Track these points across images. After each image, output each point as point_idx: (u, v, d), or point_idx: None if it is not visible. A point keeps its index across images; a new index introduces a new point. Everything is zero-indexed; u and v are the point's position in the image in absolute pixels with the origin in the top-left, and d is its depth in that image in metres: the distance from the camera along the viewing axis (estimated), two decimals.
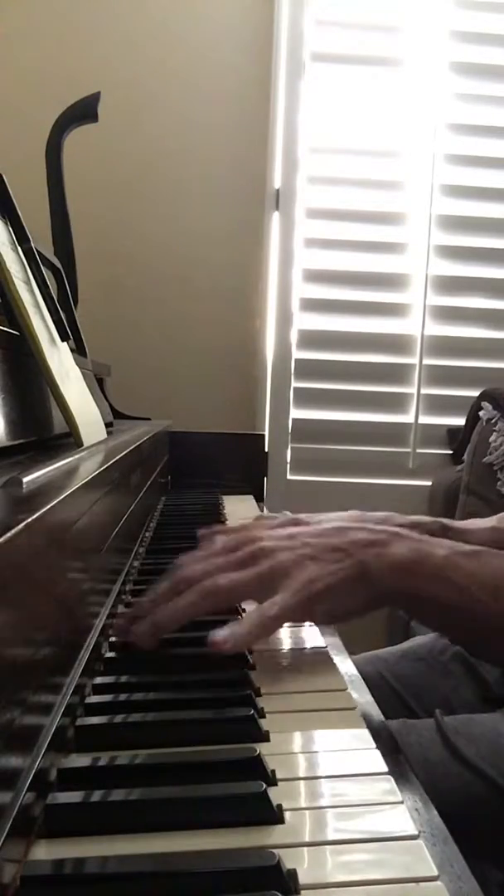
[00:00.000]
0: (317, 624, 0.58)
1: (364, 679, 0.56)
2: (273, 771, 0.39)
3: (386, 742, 0.44)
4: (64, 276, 1.21)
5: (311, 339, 1.97)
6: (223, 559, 0.56)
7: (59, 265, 1.20)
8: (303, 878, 0.31)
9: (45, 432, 0.68)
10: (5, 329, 0.63)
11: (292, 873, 0.31)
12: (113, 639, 0.56)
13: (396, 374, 1.99)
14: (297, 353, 1.96)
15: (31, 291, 0.70)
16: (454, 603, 0.55)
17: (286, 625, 0.59)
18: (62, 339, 0.75)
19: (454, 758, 0.70)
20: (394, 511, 0.78)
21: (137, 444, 0.86)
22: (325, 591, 0.54)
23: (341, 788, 0.38)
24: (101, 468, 0.57)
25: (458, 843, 0.35)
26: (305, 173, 1.93)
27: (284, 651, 0.59)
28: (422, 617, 0.62)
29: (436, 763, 0.70)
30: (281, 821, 0.35)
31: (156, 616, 0.53)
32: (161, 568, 0.77)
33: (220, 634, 0.50)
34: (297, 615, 0.54)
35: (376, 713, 0.50)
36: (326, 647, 0.59)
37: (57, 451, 0.65)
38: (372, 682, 0.55)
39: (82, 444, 0.69)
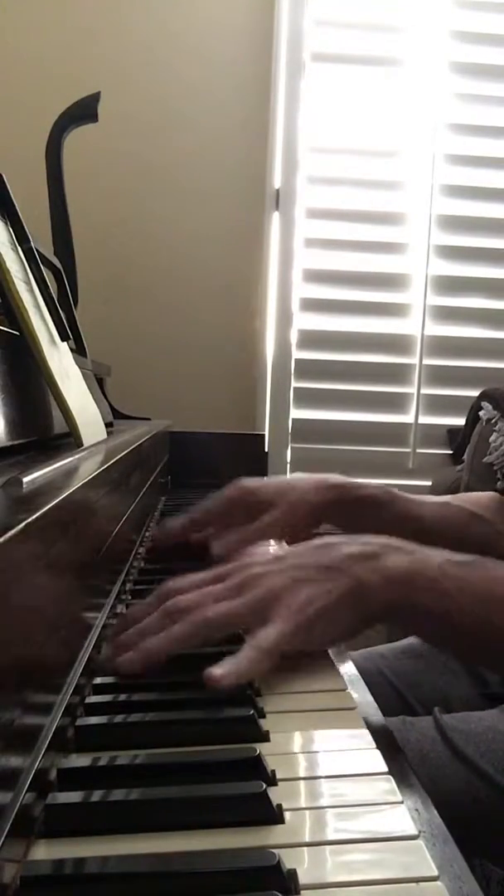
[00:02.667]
0: (315, 649, 0.55)
1: (362, 675, 0.56)
2: (273, 771, 0.39)
3: (386, 742, 0.44)
4: (64, 276, 1.21)
5: (311, 339, 1.97)
6: (211, 589, 0.54)
7: (59, 265, 1.20)
8: (303, 878, 0.31)
9: (45, 432, 0.68)
10: (5, 329, 0.63)
11: (292, 873, 0.31)
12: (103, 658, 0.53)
13: (396, 374, 1.99)
14: (297, 353, 1.96)
15: (31, 291, 0.70)
16: (446, 612, 0.54)
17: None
18: (62, 339, 0.75)
19: (453, 755, 0.71)
20: None
21: (137, 444, 0.86)
22: (322, 613, 0.52)
23: (341, 788, 0.38)
24: (101, 468, 0.57)
25: (456, 840, 0.35)
26: (305, 173, 1.93)
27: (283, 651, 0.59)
28: (418, 630, 0.61)
29: (434, 760, 0.70)
30: (281, 821, 0.35)
31: (146, 646, 0.50)
32: (161, 567, 0.77)
33: (217, 671, 0.46)
34: (295, 641, 0.51)
35: (376, 712, 0.50)
36: None
37: (57, 451, 0.65)
38: (370, 678, 0.55)
39: (82, 444, 0.69)
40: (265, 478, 0.72)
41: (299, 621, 0.51)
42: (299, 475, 0.81)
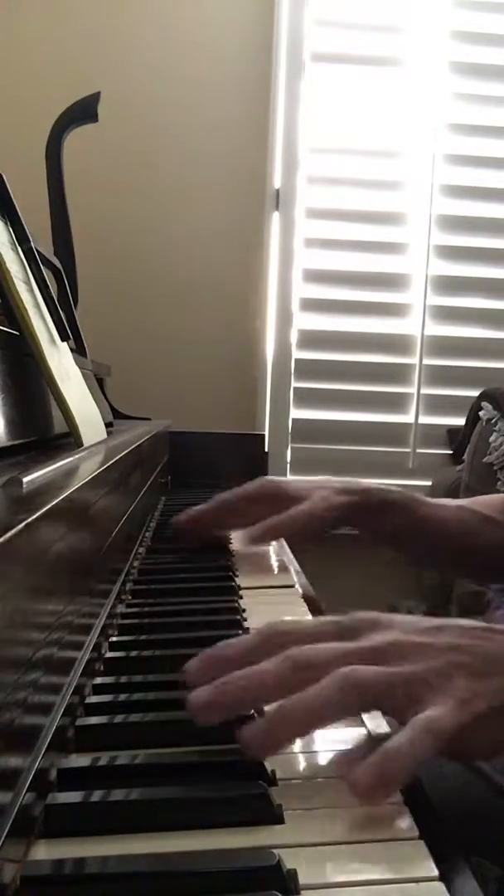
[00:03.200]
0: (459, 761, 0.46)
1: None
2: (273, 771, 0.39)
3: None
4: (64, 276, 1.21)
5: (311, 339, 1.97)
6: (347, 647, 0.42)
7: (59, 265, 1.20)
8: (303, 878, 0.31)
9: (45, 432, 0.68)
10: (5, 329, 0.63)
11: (292, 873, 0.31)
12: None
13: (396, 374, 1.99)
14: (297, 353, 1.96)
15: (31, 291, 0.70)
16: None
17: None
18: (62, 339, 0.75)
19: None
20: None
21: (137, 444, 0.86)
22: (487, 716, 0.39)
23: (342, 788, 0.38)
24: (101, 468, 0.57)
25: (455, 840, 0.35)
26: (305, 173, 1.93)
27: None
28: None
29: (433, 762, 0.70)
30: (281, 821, 0.35)
31: (284, 713, 0.38)
32: (161, 568, 0.77)
33: (363, 774, 0.36)
34: (448, 743, 0.38)
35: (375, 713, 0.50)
36: None
37: (57, 451, 0.65)
38: None
39: (82, 444, 0.69)
40: (290, 477, 0.74)
41: (462, 718, 0.38)
42: (323, 478, 0.82)
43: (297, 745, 0.43)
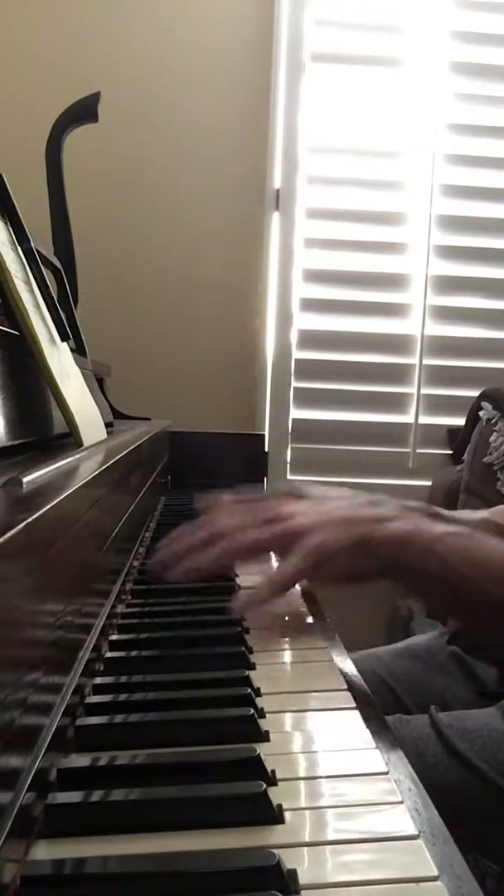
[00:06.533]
0: (321, 585, 0.67)
1: (360, 676, 0.56)
2: (273, 771, 0.39)
3: (386, 743, 0.44)
4: (64, 276, 1.21)
5: (311, 339, 1.97)
6: (249, 518, 0.64)
7: (59, 265, 1.20)
8: (303, 878, 0.31)
9: (45, 432, 0.68)
10: (5, 329, 0.63)
11: (292, 873, 0.31)
12: (143, 581, 0.70)
13: (396, 374, 1.99)
14: (297, 353, 1.96)
15: (31, 291, 0.70)
16: (435, 574, 0.61)
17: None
18: (62, 339, 0.75)
19: (448, 752, 0.71)
20: None
21: (137, 444, 0.86)
22: (332, 555, 0.61)
23: (341, 788, 0.38)
24: (101, 468, 0.57)
25: (452, 836, 0.35)
26: (305, 173, 1.93)
27: (284, 650, 0.59)
28: (416, 590, 0.71)
29: (430, 758, 0.71)
30: (281, 821, 0.35)
31: (191, 562, 0.63)
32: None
33: (239, 602, 0.60)
34: (306, 575, 0.62)
35: (376, 713, 0.50)
36: (326, 646, 0.59)
37: (57, 451, 0.65)
38: (367, 679, 0.55)
39: (82, 444, 0.69)
40: (304, 488, 0.74)
41: (313, 558, 0.60)
42: (338, 490, 0.80)
43: (298, 745, 0.43)
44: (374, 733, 0.44)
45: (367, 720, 0.46)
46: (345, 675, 0.54)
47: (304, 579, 0.64)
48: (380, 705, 0.51)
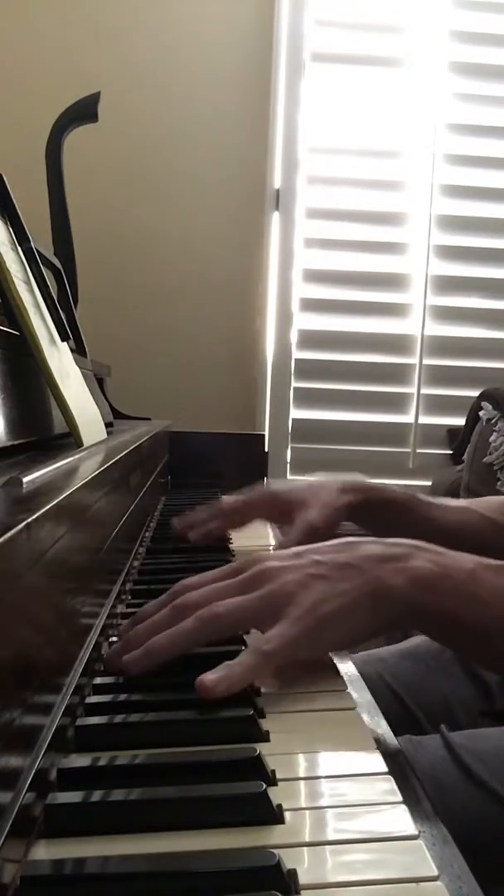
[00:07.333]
0: (322, 653, 0.53)
1: (362, 679, 0.55)
2: (273, 771, 0.39)
3: (385, 743, 0.44)
4: (64, 276, 1.21)
5: (311, 339, 1.97)
6: (223, 584, 0.52)
7: (59, 265, 1.20)
8: (303, 878, 0.31)
9: (45, 432, 0.68)
10: (5, 329, 0.63)
11: (292, 873, 0.31)
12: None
13: (396, 374, 1.99)
14: (297, 353, 1.96)
15: (31, 291, 0.70)
16: (478, 620, 0.51)
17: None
18: (62, 339, 0.75)
19: (466, 778, 0.66)
20: None
21: (137, 444, 0.86)
22: (334, 615, 0.49)
23: (341, 788, 0.38)
24: (101, 468, 0.57)
25: (473, 869, 0.33)
26: (305, 173, 1.93)
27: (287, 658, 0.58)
28: (443, 637, 0.57)
29: (448, 786, 0.65)
30: (281, 821, 0.35)
31: (152, 644, 0.48)
32: (161, 568, 0.77)
33: (211, 677, 0.44)
34: (301, 646, 0.48)
35: (376, 713, 0.50)
36: None
37: (57, 451, 0.65)
38: (370, 682, 0.54)
39: (82, 444, 0.69)
40: (287, 480, 0.74)
41: (307, 624, 0.48)
42: (321, 477, 0.82)
43: (298, 745, 0.43)
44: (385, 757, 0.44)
45: (369, 720, 0.46)
46: (346, 674, 0.54)
47: (299, 651, 0.49)
48: (383, 710, 0.50)
